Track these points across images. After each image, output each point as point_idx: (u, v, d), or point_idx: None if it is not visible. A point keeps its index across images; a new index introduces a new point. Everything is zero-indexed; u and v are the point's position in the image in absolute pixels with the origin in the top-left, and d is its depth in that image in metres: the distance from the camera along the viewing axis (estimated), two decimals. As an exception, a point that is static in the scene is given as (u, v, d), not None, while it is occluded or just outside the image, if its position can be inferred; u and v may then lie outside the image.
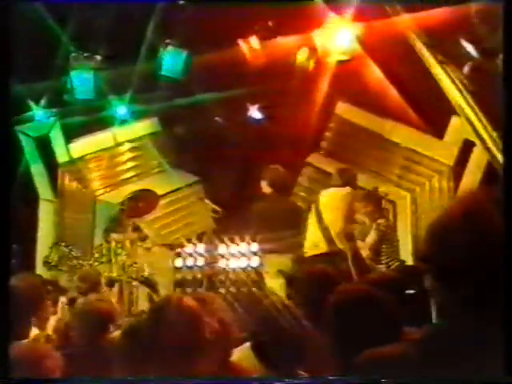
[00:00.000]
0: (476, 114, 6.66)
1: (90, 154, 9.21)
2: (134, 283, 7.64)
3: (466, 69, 6.58)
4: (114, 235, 7.96)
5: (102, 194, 9.54)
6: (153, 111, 9.26)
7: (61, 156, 8.93)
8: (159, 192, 8.99)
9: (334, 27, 7.49)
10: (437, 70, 6.56)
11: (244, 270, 8.58)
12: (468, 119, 6.65)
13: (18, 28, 6.96)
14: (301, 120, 8.48)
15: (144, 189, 8.51)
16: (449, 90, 6.60)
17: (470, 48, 6.49)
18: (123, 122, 9.07)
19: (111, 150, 9.40)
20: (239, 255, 9.11)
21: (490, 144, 6.45)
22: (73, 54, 8.04)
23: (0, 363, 2.67)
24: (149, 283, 7.64)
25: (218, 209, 8.08)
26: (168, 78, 8.44)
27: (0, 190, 3.19)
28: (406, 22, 6.79)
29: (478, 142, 6.77)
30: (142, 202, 8.04)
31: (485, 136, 6.47)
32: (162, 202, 9.31)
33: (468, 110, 6.56)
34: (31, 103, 8.52)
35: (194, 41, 8.18)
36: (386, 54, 7.50)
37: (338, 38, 7.55)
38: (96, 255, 7.83)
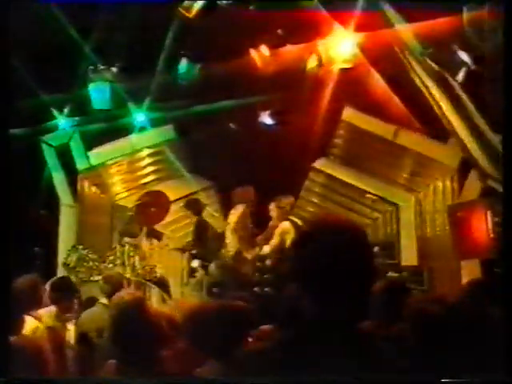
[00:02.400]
0: (473, 118, 6.73)
1: (109, 160, 9.49)
2: (148, 284, 7.95)
3: (460, 77, 6.68)
4: (127, 239, 8.28)
5: (121, 198, 9.89)
6: (169, 118, 9.49)
7: (80, 163, 9.24)
8: (175, 196, 9.28)
9: (336, 36, 7.71)
10: (431, 82, 6.67)
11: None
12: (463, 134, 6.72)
13: (40, 39, 7.44)
14: (310, 125, 8.70)
15: (153, 191, 8.69)
16: (444, 102, 6.70)
17: (464, 56, 6.59)
18: (141, 129, 9.34)
19: (129, 157, 9.69)
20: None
21: (486, 166, 6.50)
22: (90, 67, 8.34)
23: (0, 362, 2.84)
24: (161, 284, 7.95)
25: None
26: (183, 87, 8.61)
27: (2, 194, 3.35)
28: (403, 31, 6.94)
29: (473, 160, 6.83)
30: (154, 206, 8.30)
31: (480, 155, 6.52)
32: (180, 204, 9.61)
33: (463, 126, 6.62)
34: (55, 112, 8.85)
35: (207, 51, 8.45)
36: (386, 62, 7.67)
37: (340, 46, 7.77)
38: (110, 258, 8.13)
